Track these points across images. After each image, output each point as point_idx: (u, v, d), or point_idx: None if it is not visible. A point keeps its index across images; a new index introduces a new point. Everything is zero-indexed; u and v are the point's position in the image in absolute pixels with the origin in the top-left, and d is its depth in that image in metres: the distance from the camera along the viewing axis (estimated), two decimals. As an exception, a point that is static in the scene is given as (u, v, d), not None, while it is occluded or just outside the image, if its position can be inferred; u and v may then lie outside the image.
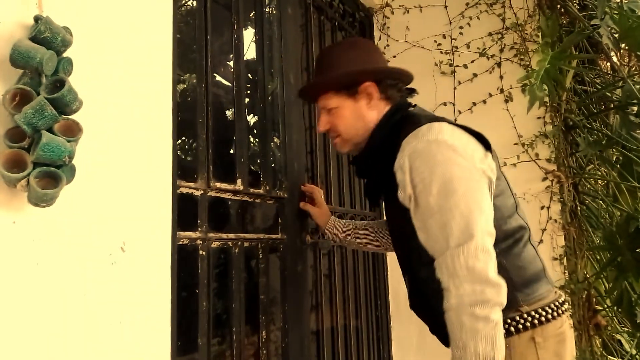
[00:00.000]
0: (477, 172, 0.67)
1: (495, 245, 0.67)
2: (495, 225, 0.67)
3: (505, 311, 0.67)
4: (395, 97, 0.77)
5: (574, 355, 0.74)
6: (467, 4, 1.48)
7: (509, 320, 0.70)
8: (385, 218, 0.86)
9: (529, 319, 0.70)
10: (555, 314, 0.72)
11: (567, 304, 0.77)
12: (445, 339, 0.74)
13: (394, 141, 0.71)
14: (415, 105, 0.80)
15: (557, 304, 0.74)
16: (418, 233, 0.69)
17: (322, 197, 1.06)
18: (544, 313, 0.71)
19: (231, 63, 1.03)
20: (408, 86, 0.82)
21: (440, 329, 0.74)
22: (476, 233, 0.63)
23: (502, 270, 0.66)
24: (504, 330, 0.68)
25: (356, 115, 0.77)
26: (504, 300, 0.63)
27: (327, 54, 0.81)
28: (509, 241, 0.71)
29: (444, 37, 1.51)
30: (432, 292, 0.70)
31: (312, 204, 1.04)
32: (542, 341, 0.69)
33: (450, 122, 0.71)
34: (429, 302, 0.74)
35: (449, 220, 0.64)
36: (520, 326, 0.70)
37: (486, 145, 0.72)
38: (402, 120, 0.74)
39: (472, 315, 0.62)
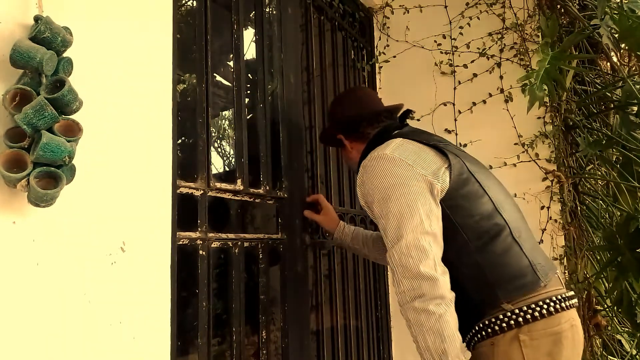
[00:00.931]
0: (414, 178, 0.73)
1: (468, 244, 0.72)
2: (464, 225, 0.73)
3: (488, 310, 0.70)
4: (370, 134, 0.89)
5: (579, 356, 0.72)
6: (467, 4, 1.48)
7: (493, 320, 0.71)
8: None
9: (513, 317, 0.70)
10: (545, 311, 0.70)
11: (572, 300, 0.74)
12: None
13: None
14: (406, 125, 0.91)
15: (554, 299, 0.71)
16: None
17: (324, 200, 1.07)
18: (530, 311, 0.70)
19: (231, 63, 1.03)
20: (403, 110, 0.94)
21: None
22: (405, 233, 0.69)
23: (475, 268, 0.71)
24: (490, 330, 0.70)
25: (347, 158, 0.98)
26: (444, 292, 0.67)
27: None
28: (483, 239, 0.73)
29: (444, 37, 1.51)
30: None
31: (318, 210, 1.06)
32: (528, 339, 0.69)
33: (409, 138, 0.81)
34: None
35: (386, 224, 0.72)
36: (504, 325, 0.70)
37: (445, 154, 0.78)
38: (376, 142, 0.85)
39: (414, 310, 0.67)
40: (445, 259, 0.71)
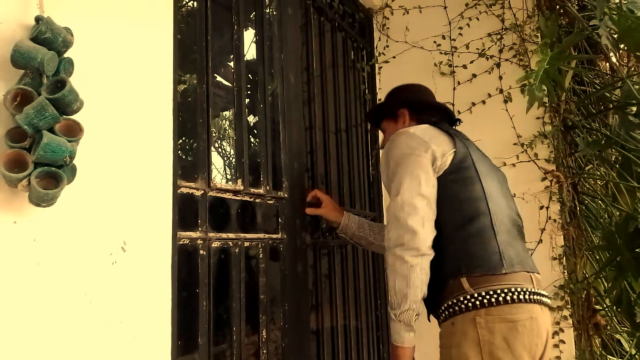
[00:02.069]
0: (424, 151, 0.84)
1: (448, 222, 0.81)
2: (449, 203, 0.82)
3: (453, 293, 0.79)
4: (427, 120, 0.96)
5: (530, 349, 0.75)
6: (466, 4, 1.49)
7: (454, 301, 0.79)
8: None
9: (472, 300, 0.77)
10: (502, 299, 0.75)
11: (538, 296, 0.79)
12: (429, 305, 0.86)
13: None
14: (453, 124, 1.02)
15: (514, 290, 0.76)
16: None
17: (323, 193, 1.09)
18: (487, 296, 0.76)
19: (231, 63, 1.03)
20: (454, 118, 1.03)
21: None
22: (403, 191, 0.81)
23: (448, 242, 0.80)
24: (452, 310, 0.78)
25: (395, 131, 1.00)
26: (421, 246, 0.77)
27: (388, 93, 1.09)
28: (462, 219, 0.82)
29: (444, 37, 1.52)
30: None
31: (318, 205, 1.07)
32: (483, 322, 0.75)
33: (435, 125, 0.92)
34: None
35: (392, 184, 0.85)
36: (464, 306, 0.77)
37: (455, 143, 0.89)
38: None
39: (393, 256, 0.79)
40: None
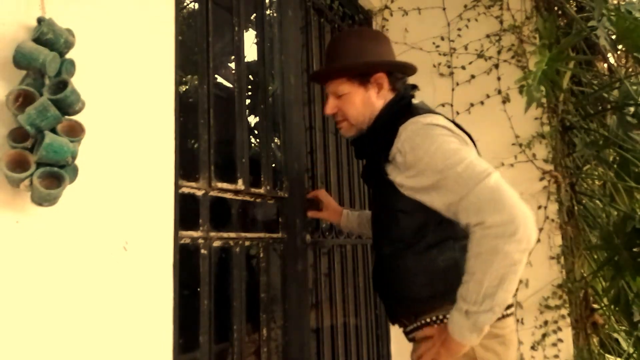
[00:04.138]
0: (467, 147, 0.72)
1: (456, 241, 0.70)
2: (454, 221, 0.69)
3: (443, 306, 0.69)
4: (401, 89, 0.82)
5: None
6: (465, 6, 1.49)
7: (443, 315, 0.71)
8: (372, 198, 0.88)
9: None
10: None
11: (510, 309, 0.75)
12: (393, 316, 0.78)
13: (392, 127, 0.74)
14: (414, 99, 0.84)
15: None
16: (424, 197, 0.70)
17: (327, 195, 1.08)
18: None
19: (232, 65, 1.03)
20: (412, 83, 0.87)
21: (394, 304, 0.77)
22: (489, 170, 0.66)
23: (458, 269, 0.66)
24: (437, 325, 0.71)
25: (365, 102, 0.80)
26: (532, 235, 0.62)
27: (343, 41, 0.84)
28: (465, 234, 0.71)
29: (442, 39, 1.52)
30: (392, 269, 0.75)
31: (320, 207, 1.07)
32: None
33: (446, 118, 0.76)
34: (384, 278, 0.78)
35: (459, 173, 0.66)
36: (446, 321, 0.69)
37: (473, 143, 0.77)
38: (403, 109, 0.78)
39: (494, 246, 0.62)
40: (438, 240, 0.71)
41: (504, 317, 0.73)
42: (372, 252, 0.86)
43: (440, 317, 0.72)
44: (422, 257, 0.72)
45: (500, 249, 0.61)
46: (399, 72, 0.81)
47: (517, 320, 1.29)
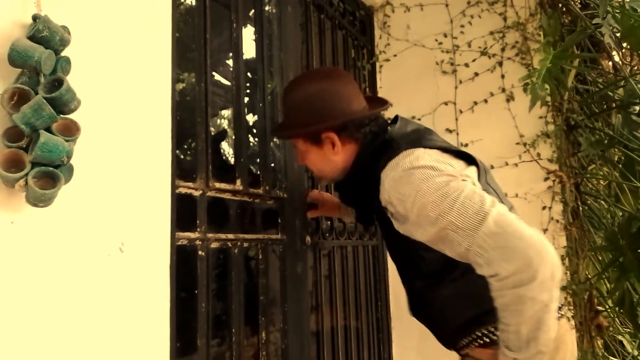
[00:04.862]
0: (460, 177, 0.65)
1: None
2: None
3: (486, 325, 0.66)
4: (363, 134, 0.77)
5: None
6: (468, 2, 1.48)
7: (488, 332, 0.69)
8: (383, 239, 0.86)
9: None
10: None
11: (564, 307, 0.74)
12: (446, 342, 0.76)
13: (374, 171, 0.71)
14: (396, 118, 0.78)
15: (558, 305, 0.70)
16: (436, 247, 0.66)
17: (322, 192, 1.08)
18: None
19: (230, 62, 1.02)
20: (382, 101, 0.81)
21: (440, 332, 0.76)
22: (486, 210, 0.59)
23: (482, 289, 0.61)
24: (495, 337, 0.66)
25: (322, 159, 0.80)
26: (556, 267, 0.57)
27: (290, 94, 0.80)
28: None
29: (445, 35, 1.50)
30: (430, 301, 0.73)
31: (317, 206, 1.07)
32: None
33: (427, 146, 0.70)
34: (425, 310, 0.76)
35: (455, 218, 0.61)
36: (496, 337, 0.66)
37: (469, 160, 0.71)
38: (381, 147, 0.74)
39: (517, 297, 0.58)
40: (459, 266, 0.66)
41: (557, 319, 0.69)
42: (402, 282, 0.81)
43: (492, 329, 0.68)
44: (458, 283, 0.69)
45: (526, 296, 0.56)
46: (351, 127, 0.75)
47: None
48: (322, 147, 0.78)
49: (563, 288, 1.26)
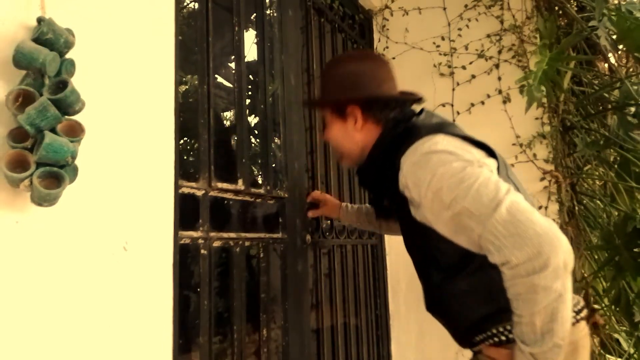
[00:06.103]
0: (477, 163, 0.64)
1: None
2: None
3: (501, 323, 0.65)
4: (386, 118, 0.77)
5: None
6: (465, 6, 1.49)
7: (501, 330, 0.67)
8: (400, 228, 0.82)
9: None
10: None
11: (583, 312, 0.70)
12: (461, 340, 0.75)
13: (394, 156, 0.71)
14: (422, 111, 0.79)
15: (577, 308, 0.70)
16: (452, 237, 0.66)
17: (323, 193, 1.09)
18: None
19: (232, 64, 1.03)
20: (414, 94, 0.83)
21: (455, 328, 0.74)
22: (500, 198, 0.58)
23: (498, 286, 0.60)
24: (510, 336, 0.64)
25: (344, 134, 0.81)
26: (568, 254, 0.56)
27: (327, 70, 0.85)
28: None
29: (443, 38, 1.52)
30: (447, 295, 0.71)
31: (318, 206, 1.08)
32: None
33: (449, 133, 0.70)
34: (441, 305, 0.74)
35: (470, 204, 0.60)
36: (512, 336, 0.64)
37: (490, 152, 0.70)
38: (401, 137, 0.74)
39: (530, 286, 0.56)
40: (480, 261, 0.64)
41: (577, 321, 0.68)
42: (419, 277, 0.79)
43: (508, 328, 0.66)
44: (475, 277, 0.67)
45: (538, 285, 0.55)
46: (376, 104, 0.77)
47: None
48: (345, 121, 0.79)
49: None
